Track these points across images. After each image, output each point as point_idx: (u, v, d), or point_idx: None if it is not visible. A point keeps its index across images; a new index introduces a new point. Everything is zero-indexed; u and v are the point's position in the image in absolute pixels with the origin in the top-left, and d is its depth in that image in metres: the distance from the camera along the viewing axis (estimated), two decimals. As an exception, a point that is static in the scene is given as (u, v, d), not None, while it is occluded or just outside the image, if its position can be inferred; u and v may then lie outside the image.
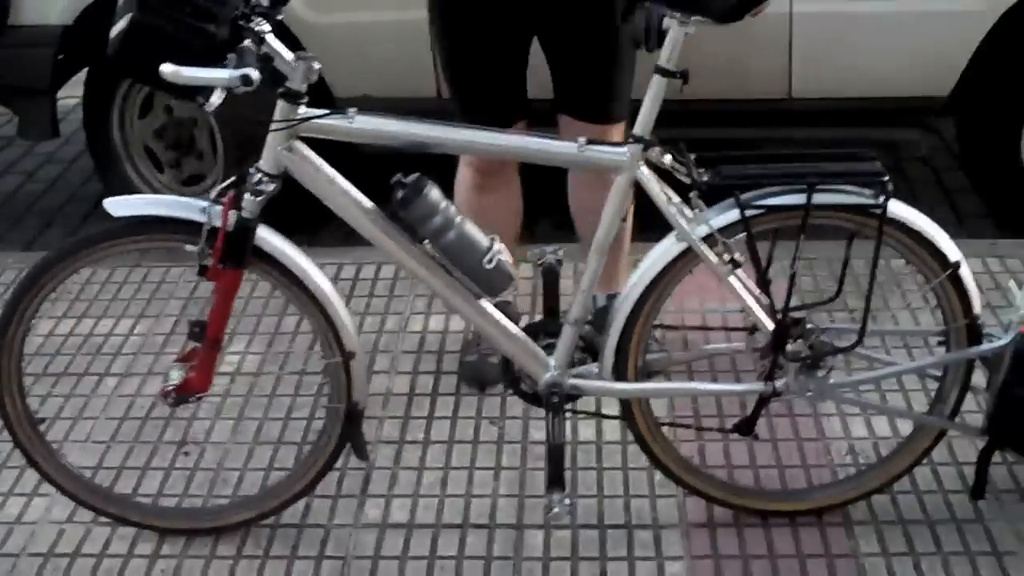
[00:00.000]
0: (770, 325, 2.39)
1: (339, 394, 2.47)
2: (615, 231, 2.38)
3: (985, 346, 2.43)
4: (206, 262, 2.31)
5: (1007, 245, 3.66)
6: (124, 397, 3.11)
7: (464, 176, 3.03)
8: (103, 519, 2.64)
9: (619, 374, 2.44)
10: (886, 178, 2.29)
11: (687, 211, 2.33)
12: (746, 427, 2.52)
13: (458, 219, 2.34)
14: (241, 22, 2.16)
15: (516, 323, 2.46)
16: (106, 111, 4.06)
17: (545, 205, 3.40)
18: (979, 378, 2.51)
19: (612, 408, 2.61)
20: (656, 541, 2.56)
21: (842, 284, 2.39)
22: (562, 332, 2.43)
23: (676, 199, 2.34)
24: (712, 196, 2.33)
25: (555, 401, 2.45)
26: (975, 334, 2.43)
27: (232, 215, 2.29)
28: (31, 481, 2.75)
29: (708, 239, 2.33)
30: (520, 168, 3.07)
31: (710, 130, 3.65)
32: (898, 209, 2.34)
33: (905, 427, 2.73)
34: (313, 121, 2.28)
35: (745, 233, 2.32)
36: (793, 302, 2.38)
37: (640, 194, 2.35)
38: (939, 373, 2.53)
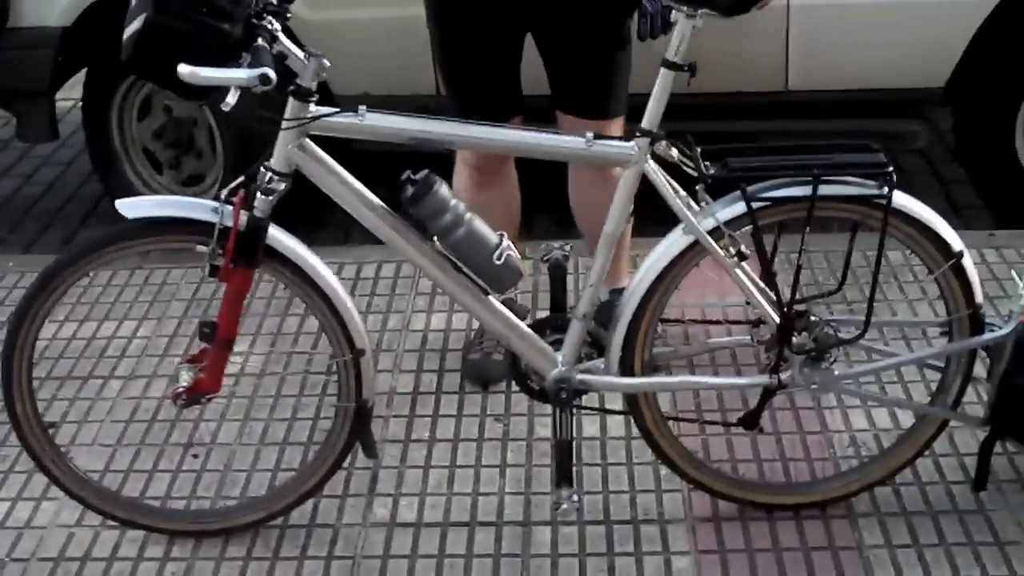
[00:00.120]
0: (776, 318, 2.40)
1: (348, 392, 2.47)
2: (623, 225, 2.38)
3: (988, 335, 2.45)
4: (217, 262, 2.31)
5: (1004, 236, 3.67)
6: (130, 399, 3.11)
7: (462, 175, 3.03)
8: (112, 523, 2.64)
9: (626, 369, 2.44)
10: (890, 169, 2.31)
11: (693, 204, 2.35)
12: (751, 420, 2.54)
13: (467, 216, 2.34)
14: (254, 20, 2.16)
15: (523, 319, 2.47)
16: (105, 112, 4.05)
17: (544, 201, 3.40)
18: (979, 369, 2.53)
19: (616, 404, 2.61)
20: (662, 536, 2.57)
21: (845, 276, 2.41)
22: (570, 327, 2.43)
23: (682, 192, 2.35)
24: (716, 189, 2.34)
25: (563, 397, 2.45)
26: (977, 324, 2.45)
27: (244, 215, 2.29)
28: (39, 485, 2.74)
29: (714, 232, 2.34)
30: (518, 164, 3.08)
31: (707, 123, 3.63)
32: (902, 200, 2.35)
33: (906, 419, 2.74)
34: (324, 119, 2.28)
35: (751, 226, 2.33)
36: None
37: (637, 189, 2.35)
38: (941, 363, 2.54)
